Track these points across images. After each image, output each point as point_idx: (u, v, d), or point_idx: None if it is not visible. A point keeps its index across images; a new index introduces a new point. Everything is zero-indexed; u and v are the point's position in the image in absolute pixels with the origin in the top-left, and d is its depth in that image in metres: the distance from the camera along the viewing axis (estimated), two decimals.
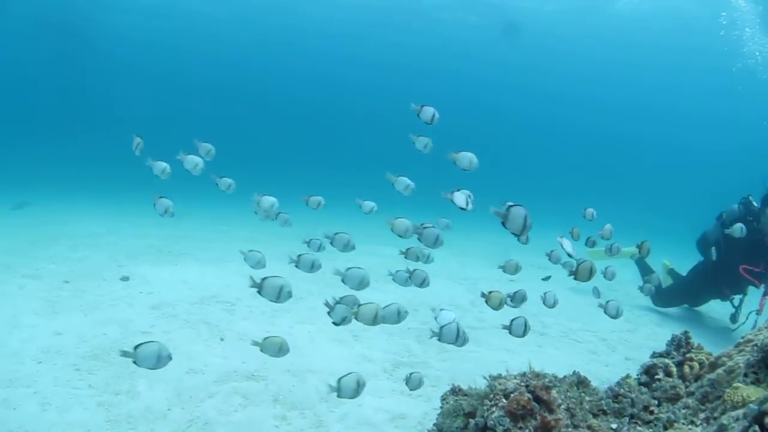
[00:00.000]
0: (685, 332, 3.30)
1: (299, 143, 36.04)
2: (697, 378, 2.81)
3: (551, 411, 2.19)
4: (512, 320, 3.53)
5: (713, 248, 5.79)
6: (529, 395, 2.19)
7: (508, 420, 2.14)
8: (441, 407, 2.59)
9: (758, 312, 5.69)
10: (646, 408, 2.52)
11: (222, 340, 4.79)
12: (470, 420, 2.35)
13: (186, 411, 3.67)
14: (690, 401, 2.45)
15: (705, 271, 6.01)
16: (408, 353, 4.86)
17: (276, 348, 3.09)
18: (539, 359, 4.64)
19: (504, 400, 2.21)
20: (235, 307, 5.62)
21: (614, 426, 2.40)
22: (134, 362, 2.70)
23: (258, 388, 4.03)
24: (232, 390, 3.97)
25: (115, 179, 14.79)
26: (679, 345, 3.25)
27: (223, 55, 33.09)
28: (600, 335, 5.51)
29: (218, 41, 30.96)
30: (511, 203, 2.66)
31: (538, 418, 2.13)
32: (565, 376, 2.78)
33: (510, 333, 3.55)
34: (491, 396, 2.27)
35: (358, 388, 2.93)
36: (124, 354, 2.72)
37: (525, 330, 3.51)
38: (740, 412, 1.90)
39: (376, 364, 4.57)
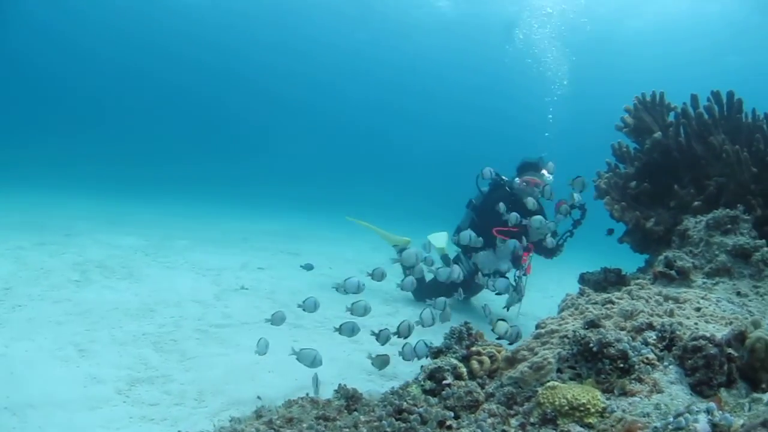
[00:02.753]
0: (466, 323, 2.87)
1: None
2: (491, 375, 2.33)
3: None
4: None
5: (468, 230, 5.76)
6: None
7: None
8: None
9: (524, 273, 5.79)
10: (441, 424, 1.92)
11: None
12: None
13: None
14: (494, 407, 1.92)
15: (466, 255, 5.93)
16: (144, 366, 3.79)
17: None
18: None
19: None
20: None
21: None
22: None
23: None
24: None
25: None
26: (461, 337, 2.80)
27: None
28: (360, 322, 5.00)
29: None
30: None
31: None
32: (329, 399, 2.10)
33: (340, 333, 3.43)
34: None
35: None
36: None
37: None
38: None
39: (108, 385, 3.42)
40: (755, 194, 3.28)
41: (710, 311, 2.36)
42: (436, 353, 2.77)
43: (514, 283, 5.88)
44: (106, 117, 33.93)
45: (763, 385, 1.89)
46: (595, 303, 2.29)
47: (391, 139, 38.94)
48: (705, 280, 2.86)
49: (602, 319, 2.11)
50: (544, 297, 7.54)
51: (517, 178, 5.76)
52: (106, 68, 33.67)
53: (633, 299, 2.32)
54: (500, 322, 2.89)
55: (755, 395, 1.75)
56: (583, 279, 3.92)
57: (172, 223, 9.89)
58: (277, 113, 37.94)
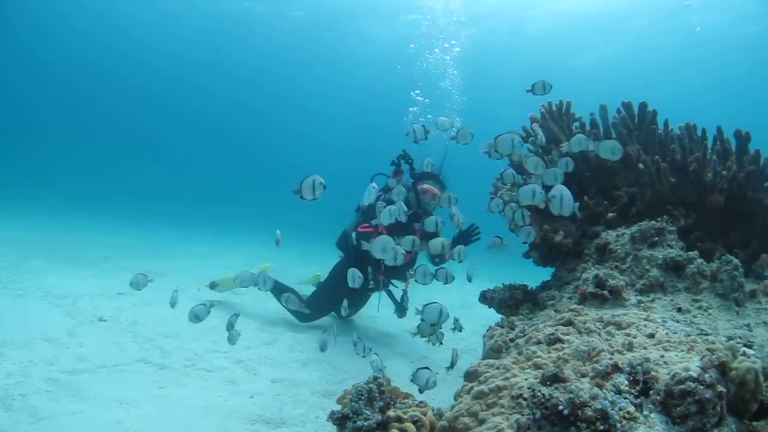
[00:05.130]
0: (375, 378, 2.29)
1: None
2: None
3: None
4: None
5: (353, 233, 5.25)
6: None
7: None
8: None
9: (404, 290, 5.38)
10: None
11: None
12: None
13: None
14: None
15: (348, 263, 5.41)
16: None
17: None
18: (165, 406, 3.25)
19: None
20: None
21: None
22: None
23: None
24: None
25: None
26: (371, 398, 2.22)
27: None
28: (234, 356, 4.29)
29: None
30: None
31: None
32: None
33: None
34: None
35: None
36: None
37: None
38: None
39: None
40: (674, 204, 3.05)
41: (664, 336, 1.99)
42: (340, 419, 2.17)
43: (399, 300, 5.54)
44: None
45: (748, 415, 1.63)
46: (539, 343, 1.83)
47: (271, 150, 38.05)
48: (639, 297, 2.54)
49: (556, 362, 1.65)
50: None
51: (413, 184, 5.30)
52: None
53: (580, 332, 1.89)
54: (421, 371, 2.37)
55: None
56: (485, 297, 3.56)
57: (31, 240, 8.48)
58: (148, 123, 36.05)
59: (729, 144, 3.31)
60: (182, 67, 30.33)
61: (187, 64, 29.86)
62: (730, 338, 2.17)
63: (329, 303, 5.54)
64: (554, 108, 3.63)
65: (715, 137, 3.37)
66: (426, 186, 5.19)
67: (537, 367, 1.63)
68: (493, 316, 3.60)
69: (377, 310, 5.62)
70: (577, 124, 3.62)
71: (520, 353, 1.73)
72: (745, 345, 2.14)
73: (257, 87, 32.50)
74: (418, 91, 8.99)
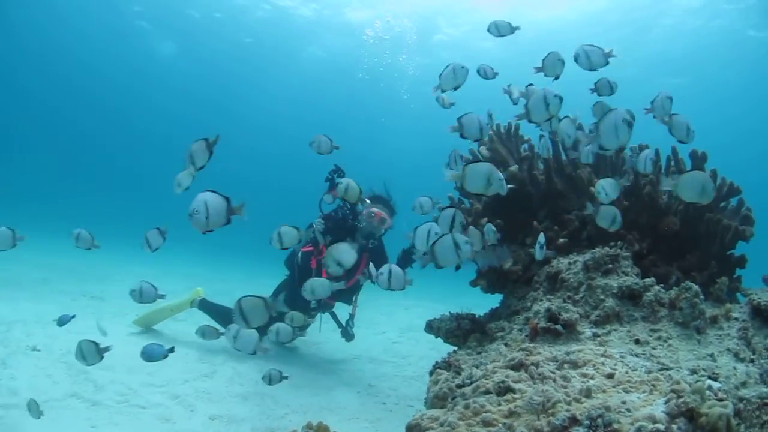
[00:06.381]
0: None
1: None
2: None
3: None
4: None
5: (300, 253, 5.10)
6: None
7: None
8: None
9: (350, 314, 5.33)
10: None
11: None
12: None
13: None
14: None
15: (293, 281, 5.24)
16: None
17: None
18: None
19: None
20: None
21: None
22: None
23: None
24: None
25: None
26: None
27: None
28: (170, 390, 4.00)
29: None
30: None
31: None
32: None
33: None
34: None
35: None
36: None
37: None
38: None
39: None
40: (627, 227, 2.93)
41: (624, 375, 1.80)
42: None
43: (343, 324, 5.41)
44: None
45: None
46: (488, 392, 1.61)
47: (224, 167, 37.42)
48: (594, 330, 2.36)
49: (507, 417, 1.43)
50: (375, 334, 7.11)
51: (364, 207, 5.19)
52: None
53: (533, 377, 1.69)
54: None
55: None
56: (431, 327, 3.37)
57: None
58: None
59: (684, 165, 3.23)
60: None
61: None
62: (694, 371, 2.01)
63: (271, 319, 5.35)
64: (503, 130, 3.50)
65: (669, 157, 3.29)
66: (374, 210, 5.05)
67: (486, 424, 1.42)
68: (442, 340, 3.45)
69: (319, 330, 5.46)
70: (525, 146, 3.49)
71: (467, 407, 1.51)
72: (710, 377, 1.99)
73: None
74: None
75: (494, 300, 3.68)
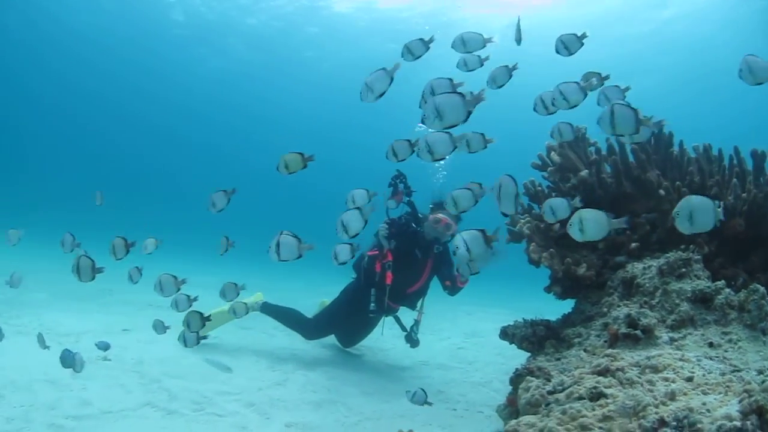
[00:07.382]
0: None
1: None
2: None
3: None
4: None
5: (366, 256, 5.33)
6: None
7: None
8: None
9: (416, 320, 5.44)
10: None
11: None
12: None
13: None
14: None
15: (358, 283, 5.42)
16: None
17: None
18: None
19: None
20: None
21: None
22: None
23: None
24: None
25: None
26: None
27: None
28: (245, 398, 4.04)
29: None
30: None
31: None
32: None
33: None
34: None
35: None
36: None
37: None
38: None
39: None
40: None
41: (701, 378, 2.03)
42: None
43: (408, 330, 5.49)
44: None
45: None
46: (581, 398, 1.87)
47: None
48: (671, 334, 2.57)
49: (600, 422, 1.69)
50: (440, 339, 7.18)
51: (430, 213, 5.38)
52: None
53: (622, 383, 1.93)
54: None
55: None
56: (506, 334, 3.57)
57: (26, 270, 8.22)
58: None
59: (746, 164, 3.35)
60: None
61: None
62: (760, 371, 2.20)
63: (334, 319, 5.56)
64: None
65: (731, 157, 3.41)
66: (439, 215, 5.21)
67: (584, 428, 1.68)
68: (506, 345, 3.59)
69: (381, 333, 5.59)
70: (593, 149, 3.67)
71: (564, 413, 1.78)
72: None
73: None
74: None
75: (547, 300, 3.82)
